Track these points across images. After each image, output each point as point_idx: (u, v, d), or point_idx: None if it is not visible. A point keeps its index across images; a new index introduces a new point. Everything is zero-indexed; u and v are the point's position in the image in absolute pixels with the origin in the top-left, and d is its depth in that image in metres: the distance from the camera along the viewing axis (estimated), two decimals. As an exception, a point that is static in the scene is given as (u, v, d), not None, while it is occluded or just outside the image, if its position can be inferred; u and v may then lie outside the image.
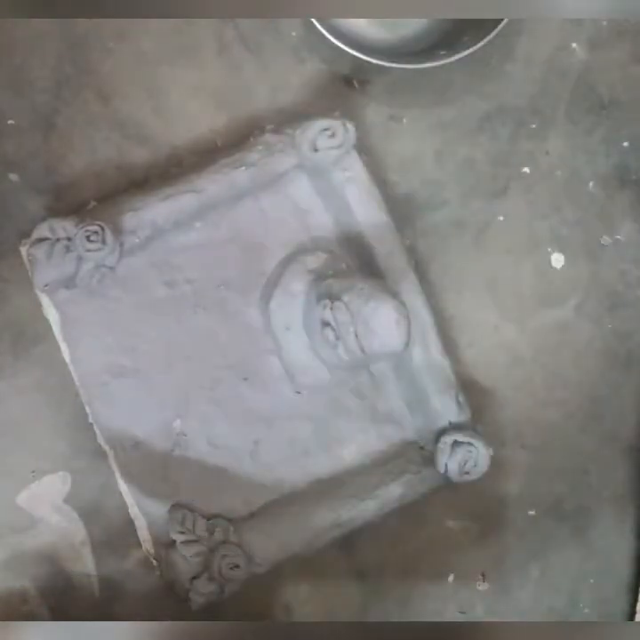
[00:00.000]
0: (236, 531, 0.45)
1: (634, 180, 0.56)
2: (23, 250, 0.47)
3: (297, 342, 0.48)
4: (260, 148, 0.49)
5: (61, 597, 0.48)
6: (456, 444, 0.48)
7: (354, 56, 0.50)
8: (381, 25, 0.54)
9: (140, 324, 0.48)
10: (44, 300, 0.47)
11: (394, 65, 0.51)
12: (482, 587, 0.52)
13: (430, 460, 0.48)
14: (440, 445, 0.48)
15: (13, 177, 0.50)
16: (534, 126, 0.56)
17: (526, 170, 0.56)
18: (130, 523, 0.47)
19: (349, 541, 0.50)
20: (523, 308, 0.54)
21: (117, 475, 0.47)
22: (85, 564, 0.48)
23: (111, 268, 0.47)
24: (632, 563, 0.54)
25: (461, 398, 0.50)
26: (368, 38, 0.53)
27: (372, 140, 0.54)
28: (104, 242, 0.45)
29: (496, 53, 0.56)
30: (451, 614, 0.51)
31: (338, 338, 0.45)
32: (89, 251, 0.45)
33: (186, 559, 0.44)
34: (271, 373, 0.49)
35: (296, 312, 0.47)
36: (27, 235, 0.47)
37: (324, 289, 0.46)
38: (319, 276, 0.47)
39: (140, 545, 0.47)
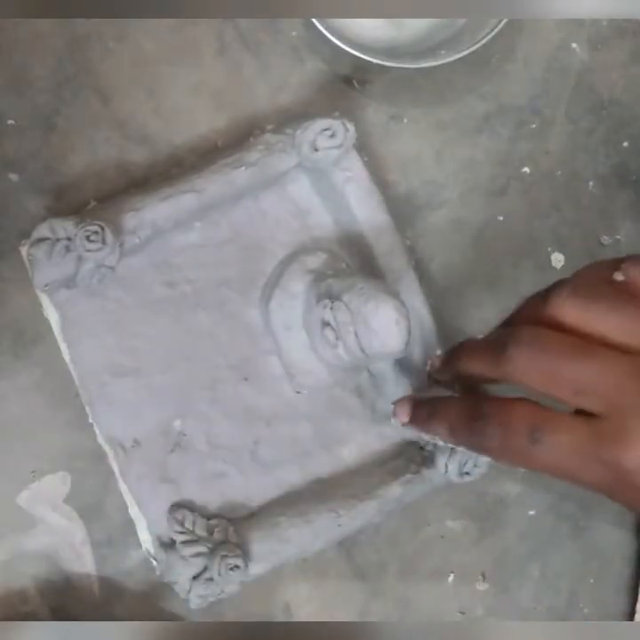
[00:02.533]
0: (236, 531, 0.45)
1: (634, 180, 0.56)
2: (23, 250, 0.47)
3: (297, 342, 0.48)
4: (260, 147, 0.49)
5: (61, 597, 0.48)
6: (456, 444, 0.48)
7: (354, 56, 0.50)
8: (382, 25, 0.54)
9: (140, 323, 0.48)
10: (44, 300, 0.47)
11: (394, 65, 0.51)
12: (482, 587, 0.52)
13: (430, 460, 0.48)
14: (440, 445, 0.48)
15: (13, 177, 0.50)
16: (534, 126, 0.56)
17: (526, 170, 0.56)
18: (130, 523, 0.47)
19: (349, 541, 0.50)
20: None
21: (117, 475, 0.47)
22: (85, 564, 0.48)
23: (111, 268, 0.47)
24: (632, 563, 0.54)
25: (461, 398, 0.50)
26: (368, 38, 0.53)
27: (373, 139, 0.54)
28: (104, 242, 0.45)
29: (496, 53, 0.56)
30: (451, 614, 0.51)
31: (338, 338, 0.45)
32: (89, 251, 0.45)
33: (186, 559, 0.44)
34: (271, 373, 0.49)
35: (296, 312, 0.47)
36: (27, 235, 0.46)
37: (324, 289, 0.46)
38: (319, 276, 0.47)
39: (139, 545, 0.47)
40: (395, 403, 0.43)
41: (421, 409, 0.41)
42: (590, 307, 0.33)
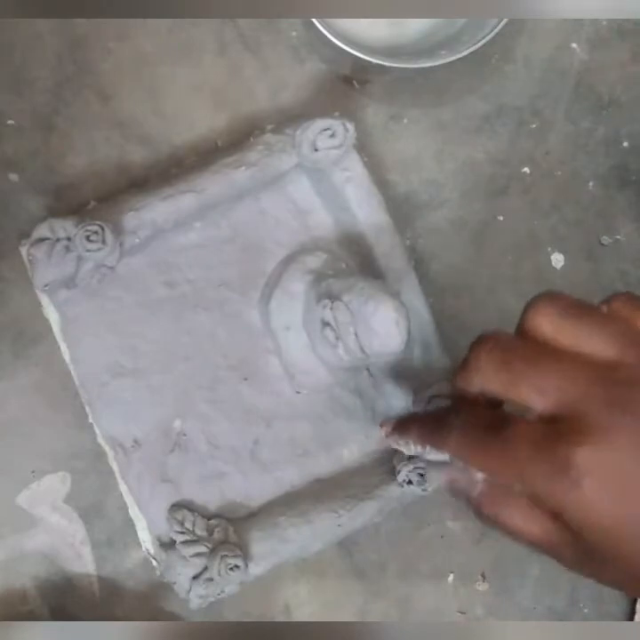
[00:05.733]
0: (236, 531, 0.45)
1: (634, 180, 0.56)
2: (23, 250, 0.47)
3: (297, 342, 0.48)
4: (260, 147, 0.49)
5: (61, 597, 0.48)
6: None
7: (354, 56, 0.50)
8: (382, 25, 0.54)
9: (140, 323, 0.48)
10: (44, 300, 0.48)
11: (394, 65, 0.51)
12: (482, 587, 0.52)
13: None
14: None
15: (13, 177, 0.50)
16: (534, 126, 0.56)
17: (526, 170, 0.56)
18: (130, 523, 0.47)
19: (349, 541, 0.50)
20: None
21: (117, 475, 0.47)
22: (85, 564, 0.48)
23: (111, 268, 0.47)
24: (632, 563, 0.54)
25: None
26: (368, 38, 0.53)
27: (372, 140, 0.54)
28: (104, 242, 0.45)
29: (496, 53, 0.56)
30: (451, 614, 0.51)
31: (338, 338, 0.45)
32: (89, 251, 0.45)
33: (186, 559, 0.44)
34: (271, 373, 0.49)
35: (296, 312, 0.47)
36: (27, 235, 0.46)
37: (324, 289, 0.46)
38: (319, 276, 0.47)
39: (139, 545, 0.47)
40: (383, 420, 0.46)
41: (400, 419, 0.45)
42: (562, 321, 0.33)
